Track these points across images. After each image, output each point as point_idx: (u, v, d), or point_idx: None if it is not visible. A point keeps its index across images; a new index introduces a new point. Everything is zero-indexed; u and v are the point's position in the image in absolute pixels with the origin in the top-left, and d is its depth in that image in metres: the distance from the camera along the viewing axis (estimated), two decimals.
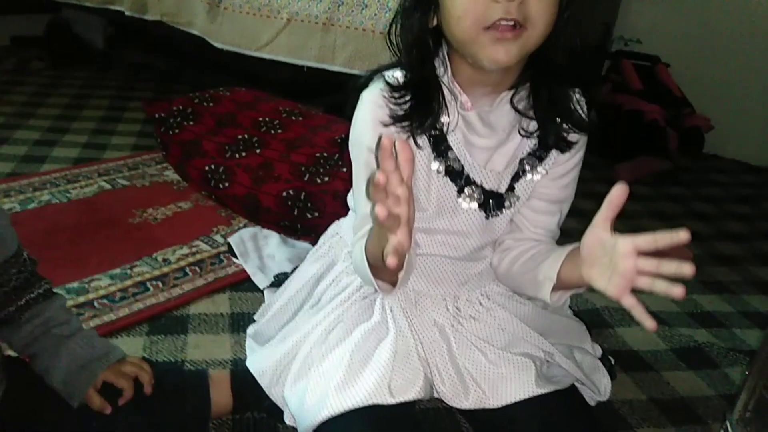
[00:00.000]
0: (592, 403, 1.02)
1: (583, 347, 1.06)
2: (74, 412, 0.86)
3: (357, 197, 0.94)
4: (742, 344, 1.43)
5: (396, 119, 0.87)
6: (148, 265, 1.43)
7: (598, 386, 1.02)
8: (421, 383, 0.95)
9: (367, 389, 0.88)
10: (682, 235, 0.67)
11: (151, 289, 1.34)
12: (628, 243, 0.70)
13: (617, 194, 0.71)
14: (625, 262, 0.70)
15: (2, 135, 2.14)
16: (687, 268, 0.67)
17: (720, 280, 1.74)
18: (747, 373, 0.95)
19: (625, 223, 2.08)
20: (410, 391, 0.92)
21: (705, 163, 2.73)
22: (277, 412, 0.98)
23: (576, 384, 0.98)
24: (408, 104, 0.87)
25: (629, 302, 0.71)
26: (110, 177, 1.87)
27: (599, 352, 1.09)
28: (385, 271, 0.81)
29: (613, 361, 1.12)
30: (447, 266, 0.99)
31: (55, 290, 0.91)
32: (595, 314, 1.45)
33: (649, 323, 0.69)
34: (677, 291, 0.67)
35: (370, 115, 0.88)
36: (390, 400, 0.88)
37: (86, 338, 0.90)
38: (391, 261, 0.69)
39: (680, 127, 2.55)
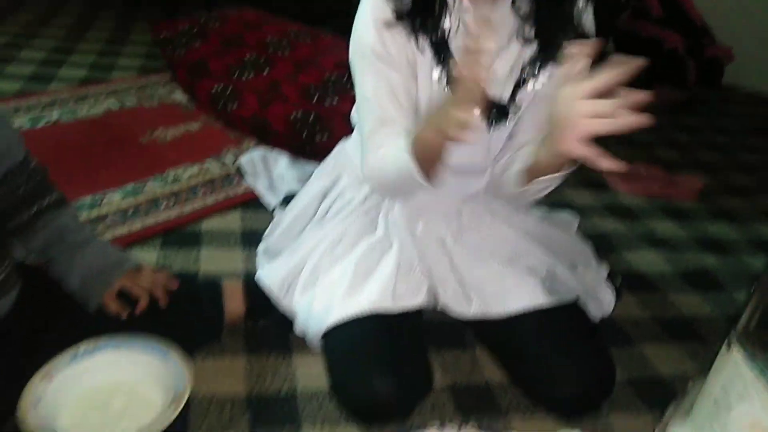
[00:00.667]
0: (595, 319, 1.04)
1: (588, 265, 1.07)
2: (90, 317, 0.88)
3: (364, 106, 0.92)
4: (750, 269, 1.44)
5: (398, 16, 0.85)
6: (159, 183, 1.43)
7: (602, 301, 1.04)
8: (424, 292, 0.97)
9: (371, 297, 0.91)
10: (633, 63, 0.63)
11: (163, 205, 1.35)
12: (571, 89, 0.67)
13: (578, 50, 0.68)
14: (572, 109, 0.66)
15: (8, 54, 2.10)
16: (640, 95, 0.63)
17: (731, 209, 1.73)
18: (753, 290, 0.96)
19: (640, 152, 2.07)
20: (413, 299, 0.95)
21: (723, 94, 2.67)
22: (287, 321, 1.01)
23: (580, 300, 1.00)
24: (409, 2, 0.85)
25: (581, 151, 0.67)
26: (118, 97, 1.85)
27: (605, 271, 1.10)
28: (426, 165, 0.82)
29: (620, 281, 1.13)
30: (449, 179, 0.98)
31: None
32: (602, 238, 1.45)
33: (607, 163, 0.65)
34: (640, 118, 0.62)
35: (371, 15, 0.86)
36: (393, 307, 0.91)
37: (100, 246, 0.92)
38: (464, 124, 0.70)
39: (700, 57, 2.48)
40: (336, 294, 0.93)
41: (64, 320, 0.86)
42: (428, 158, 0.82)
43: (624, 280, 1.22)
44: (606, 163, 0.66)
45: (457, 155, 0.93)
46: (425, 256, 0.99)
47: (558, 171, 0.79)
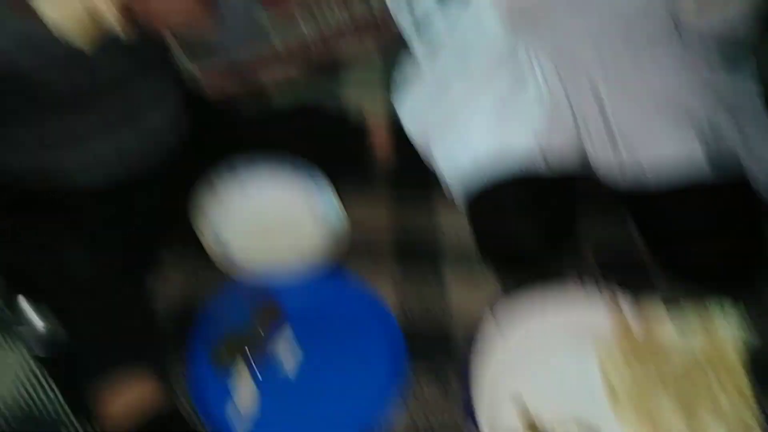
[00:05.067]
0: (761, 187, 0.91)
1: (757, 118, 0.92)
2: (251, 132, 0.92)
3: None
4: None
5: None
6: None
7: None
8: (574, 151, 0.90)
9: (518, 156, 0.86)
10: None
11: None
12: None
13: None
14: None
15: None
16: None
17: None
18: None
19: None
20: (566, 159, 0.88)
21: None
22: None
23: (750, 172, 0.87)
24: None
25: None
26: None
27: None
28: None
29: None
30: (612, 19, 0.86)
31: None
32: None
33: None
34: None
35: None
36: (544, 167, 0.86)
37: None
38: None
39: None
40: (478, 150, 0.88)
41: (227, 134, 0.91)
42: None
43: None
44: None
45: None
46: (572, 96, 0.89)
47: None
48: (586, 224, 0.93)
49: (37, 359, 0.72)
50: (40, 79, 0.66)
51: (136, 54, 0.74)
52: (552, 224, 0.83)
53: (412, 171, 1.04)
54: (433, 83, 1.07)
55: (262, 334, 0.77)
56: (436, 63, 1.06)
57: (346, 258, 0.91)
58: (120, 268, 0.72)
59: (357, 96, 1.22)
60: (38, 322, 0.67)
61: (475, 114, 0.92)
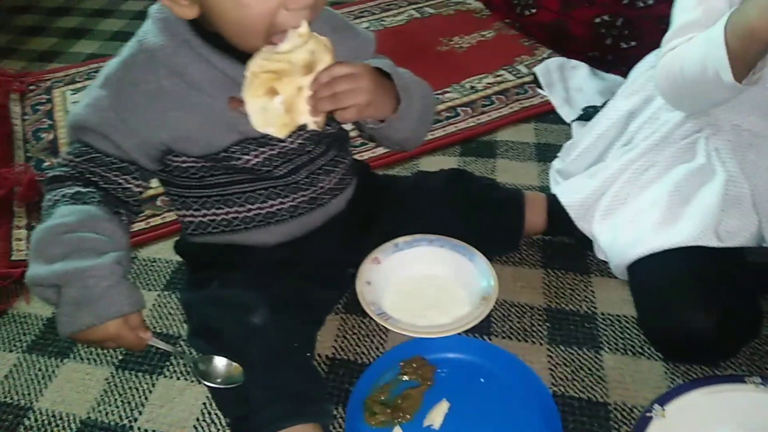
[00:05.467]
0: None
1: None
2: (410, 214, 0.96)
3: (681, 4, 0.84)
4: None
5: None
6: (457, 92, 1.48)
7: None
8: (753, 230, 0.84)
9: (690, 230, 0.82)
10: None
11: (461, 114, 1.40)
12: None
13: None
14: None
15: None
16: None
17: None
18: None
19: None
20: (740, 237, 0.83)
21: None
22: (587, 241, 0.98)
23: None
24: None
25: None
26: (418, 5, 1.92)
27: None
28: (741, 58, 0.71)
29: None
30: None
31: None
32: None
33: None
34: None
35: None
36: (716, 244, 0.81)
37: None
38: None
39: None
40: (646, 223, 0.86)
41: (387, 214, 0.97)
42: (747, 48, 0.69)
43: None
44: None
45: None
46: (757, 189, 0.85)
47: None
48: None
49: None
50: (251, 168, 0.77)
51: (325, 141, 0.83)
52: (727, 311, 0.76)
53: (565, 242, 1.03)
54: (591, 155, 1.07)
55: (413, 392, 0.79)
56: (597, 139, 1.06)
57: (497, 325, 0.91)
58: (296, 323, 0.79)
59: (509, 165, 1.25)
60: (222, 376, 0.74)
61: (646, 193, 0.90)
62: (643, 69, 1.06)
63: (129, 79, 0.70)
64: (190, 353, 0.88)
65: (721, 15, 0.76)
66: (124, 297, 0.63)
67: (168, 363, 0.88)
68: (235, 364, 0.71)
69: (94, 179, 0.71)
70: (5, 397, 0.86)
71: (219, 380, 0.71)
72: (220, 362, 0.72)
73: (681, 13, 0.85)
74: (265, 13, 0.62)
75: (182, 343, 0.91)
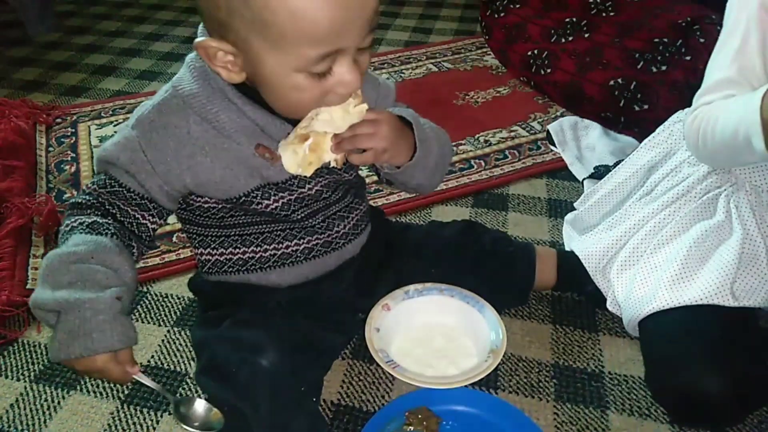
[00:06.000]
0: None
1: None
2: (422, 261, 0.97)
3: (716, 62, 0.85)
4: None
5: None
6: (471, 145, 1.51)
7: None
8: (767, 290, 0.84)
9: (705, 288, 0.82)
10: None
11: (475, 166, 1.43)
12: None
13: None
14: None
15: None
16: None
17: None
18: None
19: None
20: (755, 296, 0.83)
21: None
22: (598, 297, 0.98)
23: None
24: None
25: None
26: (436, 60, 1.98)
27: None
28: None
29: None
30: None
31: None
32: None
33: None
34: None
35: None
36: (731, 303, 0.81)
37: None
38: None
39: None
40: (662, 279, 0.86)
41: (400, 261, 0.98)
42: None
43: None
44: None
45: None
46: None
47: None
48: None
49: None
50: (270, 212, 0.79)
51: (342, 187, 0.85)
52: (741, 376, 0.76)
53: (575, 298, 1.04)
54: (608, 204, 1.08)
55: None
56: (616, 188, 1.07)
57: (504, 378, 0.91)
58: (304, 366, 0.79)
59: (520, 218, 1.26)
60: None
61: (664, 248, 0.91)
62: (670, 123, 1.07)
63: (160, 122, 0.73)
64: (196, 392, 0.89)
65: (755, 73, 0.78)
66: (117, 333, 0.64)
67: None
68: (215, 410, 0.71)
69: (112, 211, 0.73)
70: (9, 427, 0.86)
71: (197, 424, 0.71)
72: (200, 406, 0.72)
73: (715, 71, 0.86)
74: (319, 96, 0.67)
75: (188, 380, 0.91)
